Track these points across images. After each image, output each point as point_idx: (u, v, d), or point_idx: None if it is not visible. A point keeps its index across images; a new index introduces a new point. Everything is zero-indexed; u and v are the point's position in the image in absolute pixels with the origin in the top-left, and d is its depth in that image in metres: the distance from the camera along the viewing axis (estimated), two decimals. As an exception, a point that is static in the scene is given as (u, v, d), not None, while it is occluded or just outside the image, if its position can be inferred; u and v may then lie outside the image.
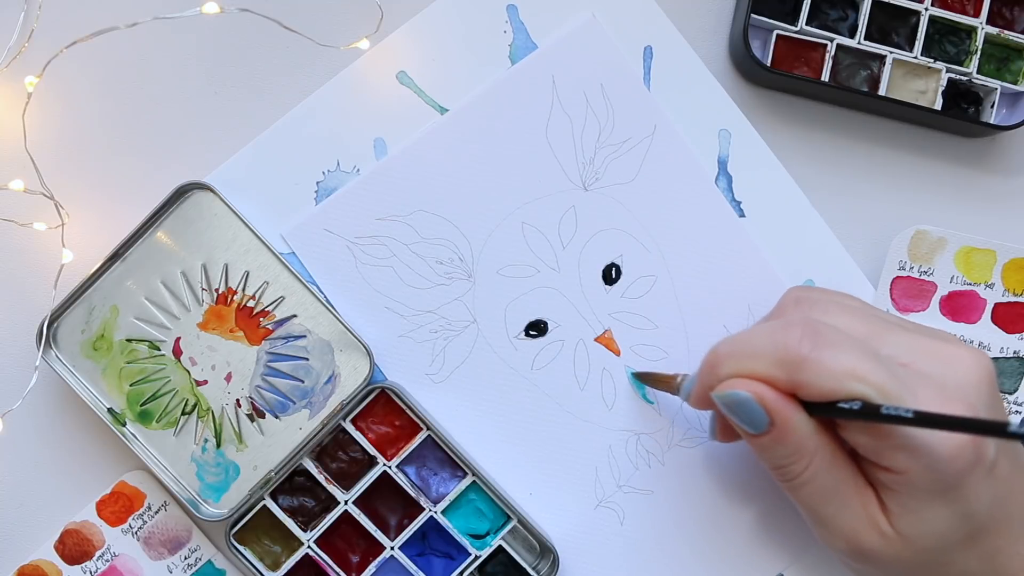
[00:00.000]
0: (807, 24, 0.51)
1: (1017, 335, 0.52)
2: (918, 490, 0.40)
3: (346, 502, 0.50)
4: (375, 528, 0.50)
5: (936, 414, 0.37)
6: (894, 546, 0.42)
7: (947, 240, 0.52)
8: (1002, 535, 0.42)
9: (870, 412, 0.38)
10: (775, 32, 0.51)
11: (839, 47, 0.51)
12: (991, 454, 0.40)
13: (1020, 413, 0.52)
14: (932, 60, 0.51)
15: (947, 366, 0.41)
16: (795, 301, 0.46)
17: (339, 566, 0.50)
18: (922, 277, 0.52)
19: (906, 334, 0.43)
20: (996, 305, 0.52)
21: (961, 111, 0.53)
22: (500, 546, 0.50)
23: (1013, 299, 0.52)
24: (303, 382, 0.51)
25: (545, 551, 0.51)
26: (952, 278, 0.52)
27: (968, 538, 0.42)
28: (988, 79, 0.51)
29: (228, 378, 0.51)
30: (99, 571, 0.51)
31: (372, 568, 0.50)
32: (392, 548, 0.50)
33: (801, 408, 0.40)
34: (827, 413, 0.40)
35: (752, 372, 0.40)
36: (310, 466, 0.50)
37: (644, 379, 0.51)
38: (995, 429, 0.35)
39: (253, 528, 0.50)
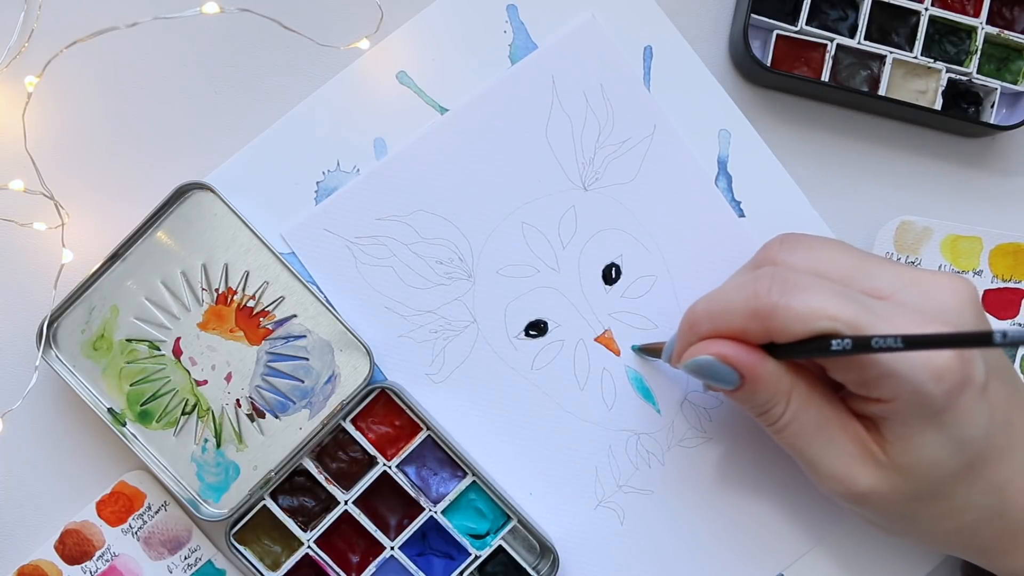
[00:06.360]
0: (807, 24, 0.51)
1: (1008, 321, 0.52)
2: (909, 416, 0.40)
3: (346, 502, 0.50)
4: (375, 528, 0.50)
5: (914, 336, 0.36)
6: (890, 479, 0.41)
7: (932, 229, 0.52)
8: (1008, 465, 0.42)
9: (859, 346, 0.38)
10: (775, 32, 0.51)
11: (839, 47, 0.51)
12: (980, 375, 0.40)
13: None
14: (932, 60, 0.51)
15: (927, 294, 0.42)
16: (780, 242, 0.46)
17: (339, 566, 0.50)
18: (910, 267, 0.52)
19: (891, 267, 0.43)
20: (986, 292, 0.52)
21: (961, 111, 0.53)
22: (500, 546, 0.50)
23: (1002, 285, 0.52)
24: (303, 382, 0.51)
25: (545, 551, 0.51)
26: (940, 267, 0.52)
27: (968, 468, 0.41)
28: (988, 79, 0.51)
29: (228, 378, 0.51)
30: (99, 571, 0.51)
31: (372, 568, 0.50)
32: (392, 548, 0.50)
33: (766, 355, 0.41)
34: (814, 354, 0.40)
35: (728, 327, 0.41)
36: (310, 466, 0.50)
37: (644, 351, 0.52)
38: (977, 340, 0.35)
39: (253, 528, 0.50)
